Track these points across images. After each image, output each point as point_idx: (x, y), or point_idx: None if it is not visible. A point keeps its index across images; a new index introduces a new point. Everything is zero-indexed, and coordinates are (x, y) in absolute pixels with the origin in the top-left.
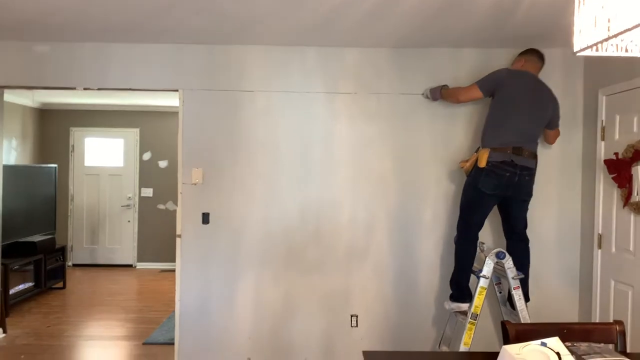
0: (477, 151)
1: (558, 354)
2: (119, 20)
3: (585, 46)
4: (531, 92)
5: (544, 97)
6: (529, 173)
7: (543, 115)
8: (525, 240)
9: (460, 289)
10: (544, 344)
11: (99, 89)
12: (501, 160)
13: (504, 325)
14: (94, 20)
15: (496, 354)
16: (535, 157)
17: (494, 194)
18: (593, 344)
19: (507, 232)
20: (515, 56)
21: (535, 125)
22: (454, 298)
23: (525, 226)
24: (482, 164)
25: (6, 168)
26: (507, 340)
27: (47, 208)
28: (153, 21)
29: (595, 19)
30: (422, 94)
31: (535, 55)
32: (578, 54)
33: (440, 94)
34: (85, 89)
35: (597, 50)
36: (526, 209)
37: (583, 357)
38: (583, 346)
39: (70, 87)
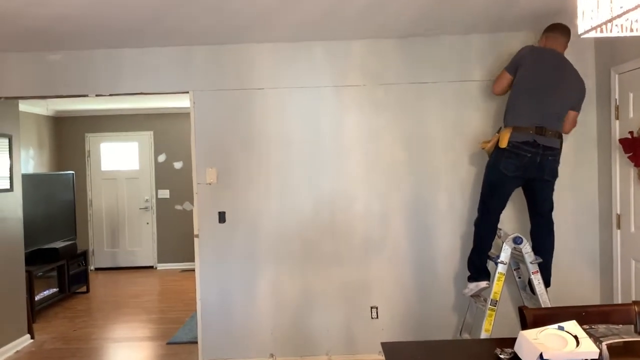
0: (499, 131)
1: (575, 337)
2: (128, 22)
3: (590, 28)
4: (553, 70)
5: (568, 76)
6: (553, 153)
7: (567, 95)
8: (550, 223)
9: (477, 269)
10: (561, 328)
11: (110, 95)
12: (523, 140)
13: (521, 310)
14: (102, 24)
15: (511, 340)
16: (560, 136)
17: (515, 175)
18: (611, 326)
19: (531, 214)
20: (526, 38)
21: (560, 104)
22: (472, 278)
23: (551, 209)
24: (504, 144)
25: (25, 177)
26: (524, 325)
27: (66, 214)
28: (161, 21)
29: (598, 1)
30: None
31: (557, 31)
32: (582, 36)
33: None
34: (97, 95)
35: (601, 31)
36: (551, 190)
37: (601, 339)
38: (601, 328)
39: (82, 94)
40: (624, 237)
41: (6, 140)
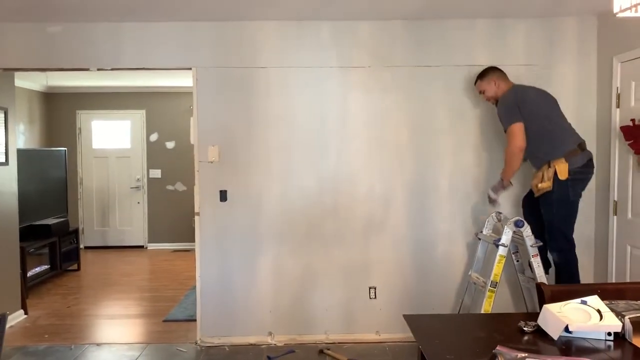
0: (540, 169)
1: (598, 310)
2: None
3: (626, 7)
4: (542, 94)
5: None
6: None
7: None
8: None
9: None
10: (584, 302)
11: (112, 69)
12: (582, 164)
13: (539, 287)
14: None
15: (534, 315)
16: None
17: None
18: (631, 302)
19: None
20: (532, 25)
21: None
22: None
23: None
24: (564, 175)
25: (18, 152)
26: (542, 301)
27: (58, 191)
28: None
29: None
30: (489, 198)
31: (497, 70)
32: (618, 15)
33: (501, 181)
34: (99, 69)
35: (636, 11)
36: None
37: (623, 313)
38: (621, 304)
39: (83, 68)
40: (620, 223)
41: (2, 114)
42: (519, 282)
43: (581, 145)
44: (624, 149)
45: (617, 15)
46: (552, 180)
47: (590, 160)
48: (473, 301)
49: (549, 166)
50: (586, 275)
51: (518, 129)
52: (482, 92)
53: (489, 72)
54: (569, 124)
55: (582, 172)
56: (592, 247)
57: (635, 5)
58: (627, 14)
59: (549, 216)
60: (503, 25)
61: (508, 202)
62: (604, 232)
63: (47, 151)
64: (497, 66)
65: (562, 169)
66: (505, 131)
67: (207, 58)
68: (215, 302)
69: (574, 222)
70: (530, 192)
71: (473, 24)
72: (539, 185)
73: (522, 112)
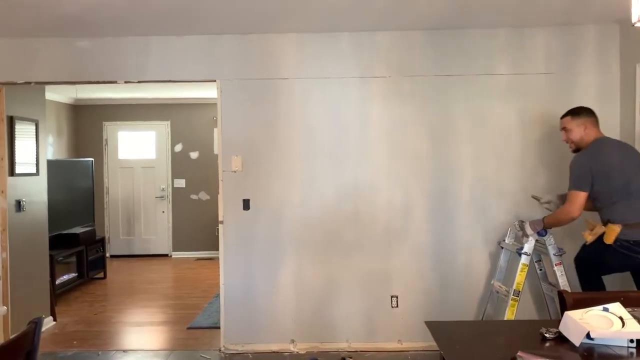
0: (605, 223)
1: (621, 317)
2: (157, 11)
3: None
4: (627, 156)
5: (634, 152)
6: None
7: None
8: None
9: None
10: (606, 309)
11: (139, 82)
12: (635, 239)
13: (560, 294)
14: (132, 12)
15: (555, 322)
16: None
17: (620, 267)
18: None
19: None
20: (552, 33)
21: None
22: None
23: None
24: (610, 240)
25: (48, 163)
26: (564, 308)
27: (85, 200)
28: (191, 10)
29: None
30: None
31: (593, 115)
32: (636, 24)
33: (542, 223)
34: (126, 82)
35: None
36: None
37: None
38: None
39: (111, 81)
40: None
41: (33, 126)
42: (542, 290)
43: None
44: None
45: (635, 25)
46: (597, 236)
47: None
48: (496, 310)
49: (604, 224)
50: (611, 283)
51: (580, 198)
52: (564, 130)
53: (584, 113)
54: None
55: (628, 249)
56: None
57: None
58: None
59: (580, 260)
60: (523, 33)
61: (530, 213)
62: None
63: (75, 162)
64: (583, 109)
65: (611, 234)
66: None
67: (231, 70)
68: (238, 309)
69: (599, 282)
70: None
71: (492, 33)
72: (585, 234)
73: (594, 181)
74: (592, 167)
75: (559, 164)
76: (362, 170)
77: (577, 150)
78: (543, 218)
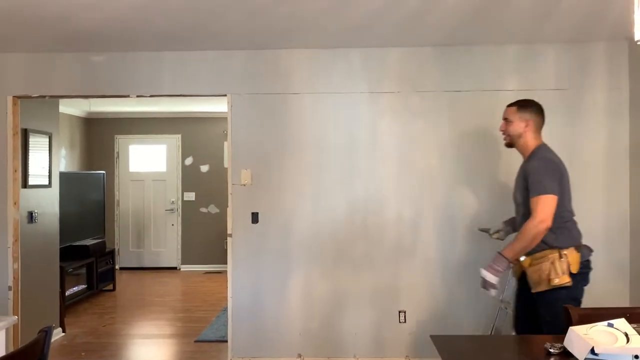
0: (541, 256)
1: (625, 333)
2: (172, 27)
3: None
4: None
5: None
6: None
7: None
8: None
9: None
10: (610, 325)
11: (151, 96)
12: (588, 257)
13: (566, 309)
14: (148, 29)
15: (560, 337)
16: None
17: None
18: None
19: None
20: (561, 50)
21: None
22: None
23: None
24: (576, 269)
25: (60, 175)
26: (570, 324)
27: (96, 213)
28: (204, 26)
29: None
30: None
31: (540, 116)
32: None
33: (504, 260)
34: (138, 96)
35: None
36: None
37: None
38: None
39: (124, 95)
40: None
41: (46, 138)
42: None
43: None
44: None
45: (638, 43)
46: (567, 273)
47: (589, 259)
48: (504, 326)
49: (560, 256)
50: (622, 300)
51: (553, 203)
52: (505, 120)
53: (532, 110)
54: None
55: (587, 267)
56: (627, 272)
57: None
58: None
59: (553, 317)
60: (533, 50)
61: None
62: (639, 258)
63: (87, 174)
64: (532, 98)
65: (575, 262)
66: (525, 197)
67: (241, 85)
68: (246, 323)
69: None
70: (523, 286)
71: (502, 49)
72: (556, 280)
73: (560, 188)
74: (560, 169)
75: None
76: (371, 184)
77: (510, 145)
78: (501, 254)
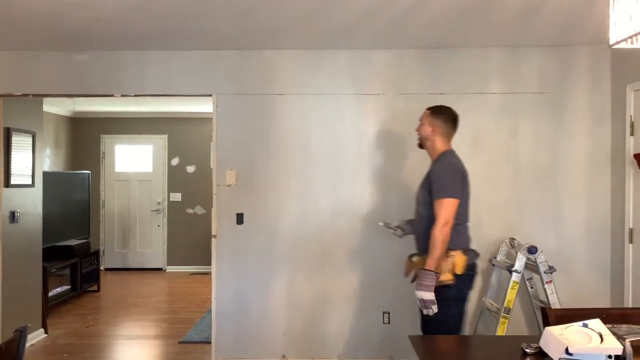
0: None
1: (600, 334)
2: (157, 27)
3: (621, 39)
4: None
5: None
6: None
7: None
8: None
9: None
10: (585, 325)
11: (135, 96)
12: (475, 260)
13: (544, 310)
14: (132, 28)
15: (536, 337)
16: None
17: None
18: (633, 326)
19: None
20: (545, 54)
21: None
22: None
23: None
24: (460, 270)
25: (44, 175)
26: (546, 324)
27: (81, 213)
28: (189, 26)
29: (631, 13)
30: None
31: (450, 123)
32: (614, 47)
33: (431, 274)
34: (122, 95)
35: (632, 43)
36: None
37: (624, 336)
38: (624, 327)
39: (108, 94)
40: (637, 251)
41: (30, 137)
42: (533, 308)
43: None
44: (638, 176)
45: (612, 47)
46: (451, 273)
47: (475, 262)
48: (487, 327)
49: (447, 256)
50: (603, 301)
51: (454, 205)
52: (420, 122)
53: (443, 118)
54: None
55: (473, 269)
56: (608, 273)
57: (631, 37)
58: (623, 45)
59: (444, 317)
60: (516, 54)
61: (519, 229)
62: (620, 259)
63: (72, 174)
64: (449, 107)
65: (460, 263)
66: (426, 197)
67: (227, 85)
68: (230, 324)
69: (464, 324)
70: None
71: (486, 52)
72: (440, 277)
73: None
74: (462, 176)
75: (552, 181)
76: (356, 186)
77: (420, 146)
78: (425, 269)
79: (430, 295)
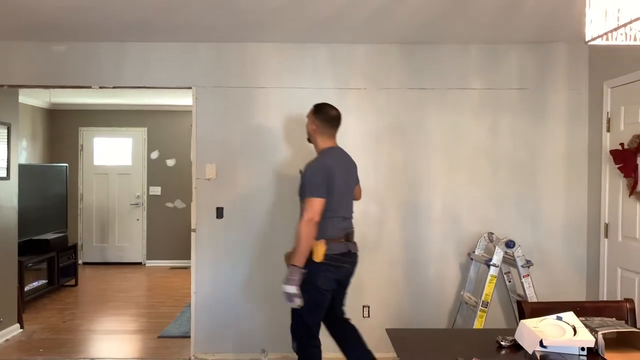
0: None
1: (573, 326)
2: (134, 17)
3: (597, 35)
4: (344, 169)
5: (350, 159)
6: (356, 259)
7: (354, 178)
8: (347, 319)
9: None
10: (559, 318)
11: (114, 87)
12: (341, 252)
13: (519, 303)
14: (111, 19)
15: (512, 330)
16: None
17: (333, 289)
18: (606, 319)
19: (333, 321)
20: (525, 50)
21: (351, 200)
22: None
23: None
24: (320, 258)
25: (20, 167)
26: (522, 317)
27: (58, 206)
28: (169, 17)
29: (606, 10)
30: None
31: (326, 118)
32: (590, 44)
33: (296, 268)
34: (101, 87)
35: (607, 39)
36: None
37: (596, 329)
38: (596, 320)
39: (86, 85)
40: (611, 245)
41: (5, 129)
42: (511, 302)
43: (347, 237)
44: (614, 173)
45: (588, 44)
46: (308, 260)
47: (348, 252)
48: (465, 321)
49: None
50: (579, 294)
51: (319, 204)
52: (307, 118)
53: (322, 115)
54: (348, 211)
55: (337, 260)
56: (584, 267)
57: (606, 34)
58: (599, 42)
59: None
60: (496, 50)
61: (498, 224)
62: (595, 254)
63: (49, 167)
64: (330, 105)
65: (320, 250)
66: (300, 197)
67: (207, 78)
68: (209, 318)
69: (321, 317)
70: None
71: (466, 49)
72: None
73: (328, 190)
74: (327, 175)
75: (530, 176)
76: None
77: (309, 141)
78: (292, 264)
79: (292, 289)
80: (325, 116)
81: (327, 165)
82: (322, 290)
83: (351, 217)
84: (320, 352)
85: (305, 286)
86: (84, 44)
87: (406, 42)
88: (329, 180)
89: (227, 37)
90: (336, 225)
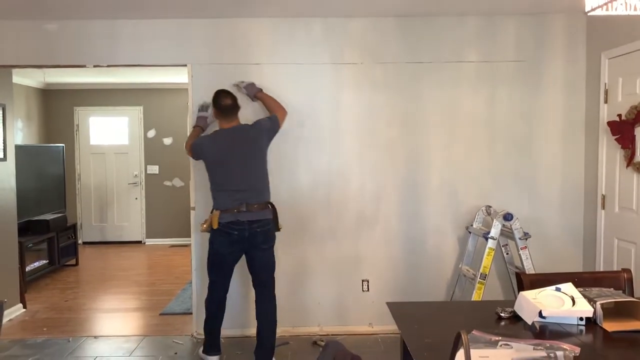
0: (212, 212)
1: (572, 297)
2: None
3: (597, 5)
4: (231, 145)
5: (242, 136)
6: (261, 224)
7: (253, 152)
8: (271, 291)
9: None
10: (558, 289)
11: (108, 66)
12: (229, 220)
13: (518, 275)
14: None
15: (511, 302)
16: (267, 206)
17: (230, 251)
18: (604, 289)
19: (254, 284)
20: (521, 22)
21: (254, 173)
22: (203, 351)
23: (272, 274)
24: (215, 225)
25: (17, 148)
26: (521, 289)
27: (56, 187)
28: None
29: None
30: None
31: (219, 107)
32: (589, 14)
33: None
34: (95, 66)
35: (607, 9)
36: (269, 256)
37: (595, 299)
38: (595, 290)
39: (80, 64)
40: (608, 216)
41: (0, 110)
42: (509, 274)
43: (238, 208)
44: (611, 144)
45: (588, 14)
46: (209, 225)
47: (237, 221)
48: (463, 293)
49: (212, 212)
50: (576, 266)
51: (195, 133)
52: None
53: (217, 106)
54: (245, 184)
55: (227, 227)
56: (580, 239)
57: (606, 4)
58: (598, 12)
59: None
60: (493, 22)
61: (495, 199)
62: (592, 225)
63: (45, 147)
64: (224, 91)
65: (215, 220)
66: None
67: (202, 55)
68: None
69: (216, 272)
70: None
71: (463, 21)
72: (201, 228)
73: (204, 160)
74: (202, 148)
75: (528, 149)
76: (334, 156)
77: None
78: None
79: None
80: (215, 103)
81: (200, 144)
82: (216, 250)
83: (248, 189)
84: (213, 305)
85: (208, 247)
86: (76, 22)
87: (402, 15)
88: (202, 156)
89: (220, 13)
90: (226, 198)
